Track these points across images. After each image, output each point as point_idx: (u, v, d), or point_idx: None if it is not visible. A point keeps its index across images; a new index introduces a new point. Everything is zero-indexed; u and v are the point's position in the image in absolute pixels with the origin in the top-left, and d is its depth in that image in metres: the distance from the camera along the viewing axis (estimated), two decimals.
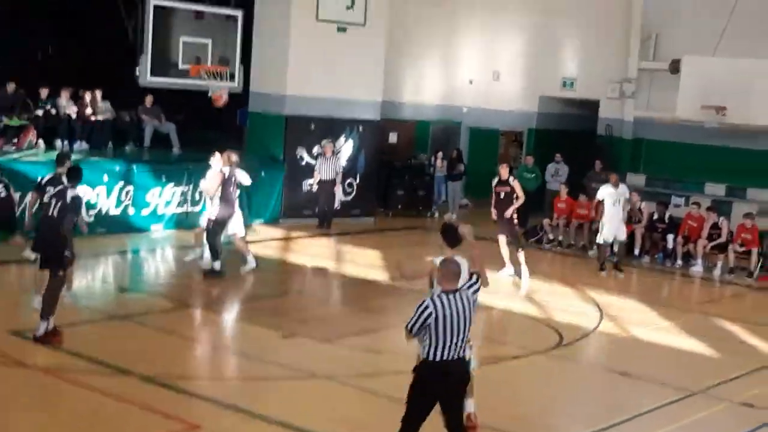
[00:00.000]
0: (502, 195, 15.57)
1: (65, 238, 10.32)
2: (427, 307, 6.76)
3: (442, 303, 6.77)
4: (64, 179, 11.07)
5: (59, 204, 10.44)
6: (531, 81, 23.92)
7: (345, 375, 10.07)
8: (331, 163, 19.48)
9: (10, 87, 17.86)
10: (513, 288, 15.12)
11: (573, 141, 22.94)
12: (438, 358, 6.82)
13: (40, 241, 10.66)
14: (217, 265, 14.07)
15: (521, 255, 15.44)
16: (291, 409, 8.96)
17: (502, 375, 10.61)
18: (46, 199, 10.86)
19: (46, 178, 11.60)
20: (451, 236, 8.01)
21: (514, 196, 15.49)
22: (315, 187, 19.51)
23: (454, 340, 6.82)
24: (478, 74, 24.67)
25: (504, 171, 15.84)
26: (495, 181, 15.82)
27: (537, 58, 23.80)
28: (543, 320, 13.22)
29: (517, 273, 15.46)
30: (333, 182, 19.50)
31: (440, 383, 6.90)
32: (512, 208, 15.48)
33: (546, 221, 19.71)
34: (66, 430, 8.00)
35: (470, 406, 7.99)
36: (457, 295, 6.86)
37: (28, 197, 12.56)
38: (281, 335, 11.44)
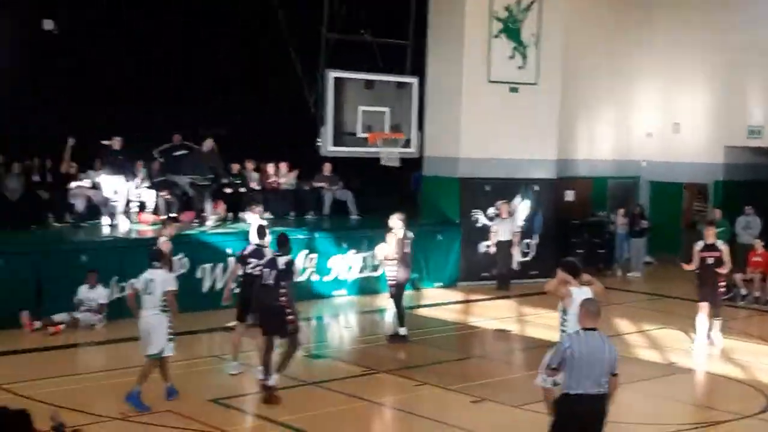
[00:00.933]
0: (710, 261, 14.23)
1: (286, 304, 10.70)
2: (565, 342, 7.35)
3: (579, 339, 7.29)
4: (266, 250, 11.63)
5: (273, 272, 10.82)
6: (715, 131, 22.93)
7: None
8: (508, 223, 19.28)
9: (207, 144, 18.31)
10: (709, 350, 14.28)
11: (764, 192, 21.77)
12: (576, 392, 7.22)
13: (263, 311, 11.03)
14: (402, 330, 14.09)
15: (717, 323, 14.46)
16: None
17: None
18: (256, 270, 11.43)
19: (248, 250, 12.10)
20: (574, 268, 9.32)
21: (722, 262, 14.21)
22: (492, 249, 19.32)
23: (592, 376, 7.20)
24: (657, 127, 23.93)
25: (711, 235, 14.39)
26: (700, 245, 14.36)
27: (720, 108, 22.83)
28: (747, 382, 12.39)
29: (709, 336, 14.51)
30: (510, 243, 19.27)
31: (578, 417, 7.24)
32: (723, 278, 14.35)
33: (739, 276, 18.66)
34: None
35: None
36: (596, 333, 7.32)
37: (230, 267, 12.93)
38: (470, 400, 11.21)
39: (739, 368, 13.12)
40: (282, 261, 10.92)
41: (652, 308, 17.57)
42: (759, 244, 18.78)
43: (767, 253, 18.54)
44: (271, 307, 10.84)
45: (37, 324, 13.82)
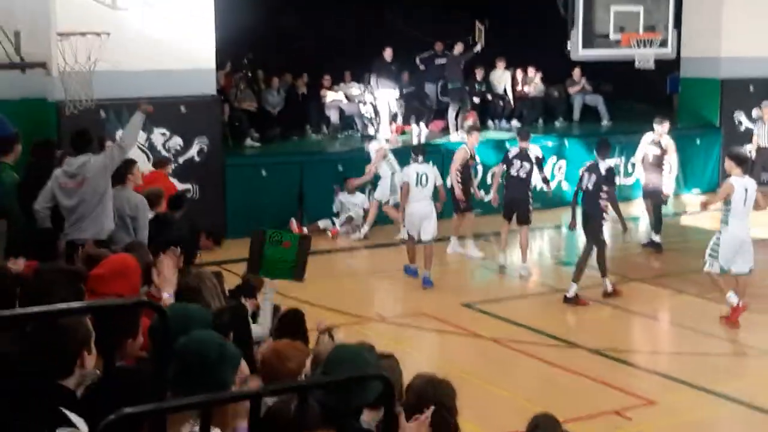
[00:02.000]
0: None
1: (605, 208, 11.25)
2: None
3: None
4: (530, 152, 12.35)
5: (593, 177, 11.17)
6: None
7: None
8: None
9: (458, 49, 17.79)
10: None
11: None
12: None
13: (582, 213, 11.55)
14: (657, 237, 13.71)
15: None
16: (749, 387, 8.39)
17: None
18: (521, 172, 12.27)
19: (513, 152, 12.60)
20: (739, 157, 10.16)
21: None
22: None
23: None
24: None
25: None
26: None
27: None
28: None
29: None
30: None
31: None
32: None
33: None
34: (524, 396, 8.21)
35: None
36: None
37: (496, 169, 13.46)
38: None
39: None
40: (604, 166, 11.11)
41: None
42: None
43: None
44: (585, 211, 11.18)
45: (305, 229, 14.65)
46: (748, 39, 18.33)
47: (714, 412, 8.01)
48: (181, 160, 13.97)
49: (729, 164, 10.21)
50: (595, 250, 11.28)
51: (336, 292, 11.53)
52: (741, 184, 9.93)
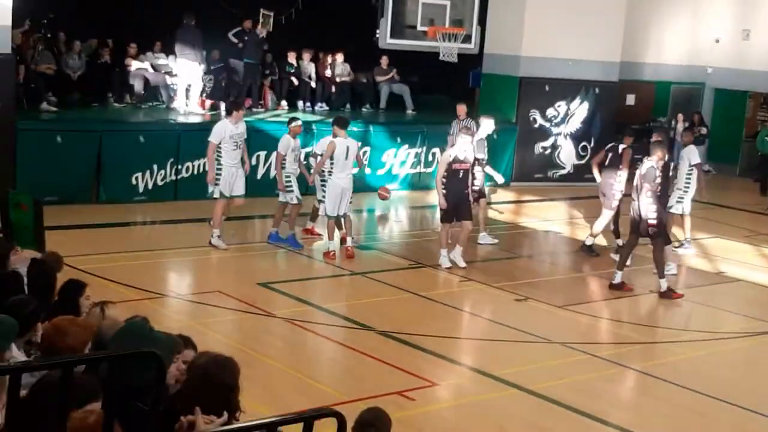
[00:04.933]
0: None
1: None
2: None
3: None
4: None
5: None
6: None
7: (578, 342, 9.87)
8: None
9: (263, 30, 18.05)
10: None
11: None
12: None
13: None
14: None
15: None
16: (526, 372, 8.88)
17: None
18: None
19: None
20: (343, 121, 12.63)
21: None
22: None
23: None
24: (726, 33, 23.13)
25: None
26: None
27: None
28: None
29: None
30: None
31: None
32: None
33: None
34: (311, 375, 8.33)
35: None
36: None
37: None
38: (514, 298, 11.36)
39: None
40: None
41: (706, 217, 17.37)
42: None
43: None
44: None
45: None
46: (547, 40, 19.29)
47: (493, 395, 8.40)
48: None
49: (335, 128, 12.43)
50: None
51: (133, 268, 11.25)
52: (343, 143, 12.23)
